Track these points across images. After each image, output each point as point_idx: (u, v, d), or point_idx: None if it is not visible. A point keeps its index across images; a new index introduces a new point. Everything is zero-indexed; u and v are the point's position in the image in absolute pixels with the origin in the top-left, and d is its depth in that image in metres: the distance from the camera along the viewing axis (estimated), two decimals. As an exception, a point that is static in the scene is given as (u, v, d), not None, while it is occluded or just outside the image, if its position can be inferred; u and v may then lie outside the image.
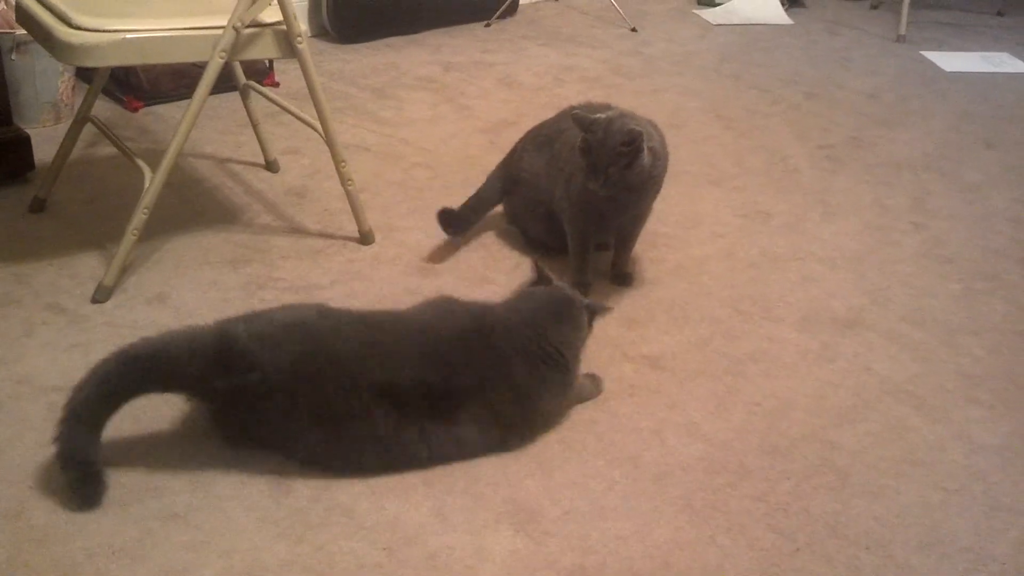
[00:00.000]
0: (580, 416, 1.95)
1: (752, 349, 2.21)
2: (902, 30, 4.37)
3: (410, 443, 1.75)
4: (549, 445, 1.87)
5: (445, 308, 1.91)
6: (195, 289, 2.27)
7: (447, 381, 1.75)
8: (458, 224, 2.50)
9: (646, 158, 2.17)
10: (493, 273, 2.42)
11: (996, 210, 2.90)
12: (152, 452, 1.79)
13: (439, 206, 2.50)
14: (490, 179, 2.58)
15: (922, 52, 4.25)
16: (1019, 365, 2.21)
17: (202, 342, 1.73)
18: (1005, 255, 2.65)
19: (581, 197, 2.27)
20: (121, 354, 1.72)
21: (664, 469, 1.84)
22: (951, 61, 4.16)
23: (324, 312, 1.85)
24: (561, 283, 1.97)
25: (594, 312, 1.96)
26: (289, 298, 2.25)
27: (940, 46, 4.35)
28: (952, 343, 2.27)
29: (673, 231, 2.66)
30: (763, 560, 1.65)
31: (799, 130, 3.37)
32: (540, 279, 1.96)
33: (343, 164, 2.40)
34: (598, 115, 2.20)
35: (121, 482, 1.72)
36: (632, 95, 3.58)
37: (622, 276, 2.44)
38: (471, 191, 2.58)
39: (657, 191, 2.34)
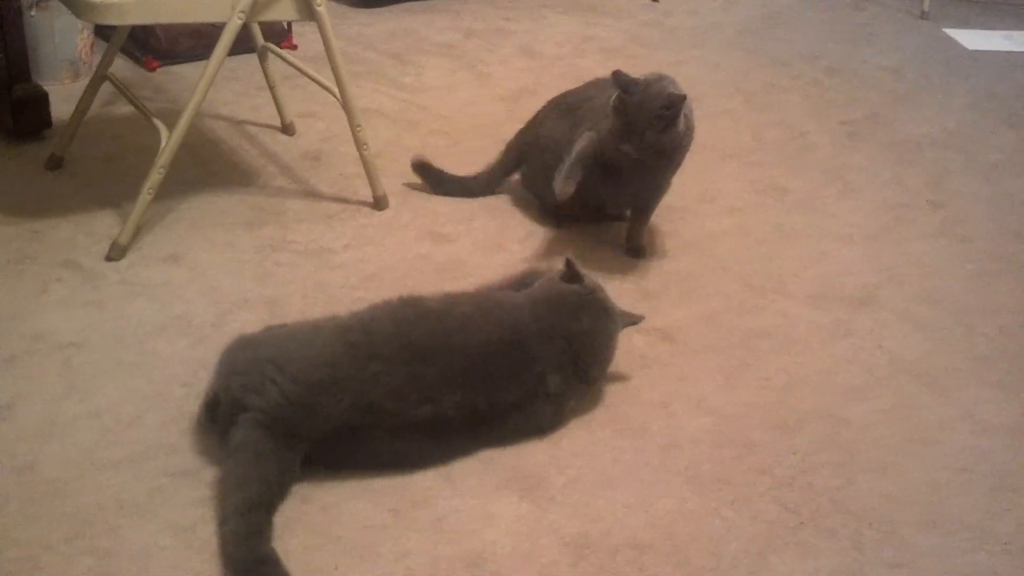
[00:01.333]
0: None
1: (764, 324, 2.21)
2: (926, 6, 4.31)
3: (451, 455, 1.75)
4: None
5: (428, 313, 1.79)
6: (209, 250, 2.28)
7: (490, 401, 1.73)
8: (435, 181, 2.56)
9: (681, 124, 2.15)
10: (507, 241, 2.42)
11: (1015, 191, 2.88)
12: (163, 410, 1.81)
13: (455, 172, 2.51)
14: (508, 147, 2.57)
15: (944, 29, 4.20)
16: (1032, 347, 2.20)
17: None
18: (1022, 236, 2.63)
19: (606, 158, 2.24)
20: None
21: (671, 441, 1.85)
22: (974, 39, 4.11)
23: (353, 343, 1.70)
24: (594, 283, 1.91)
25: (627, 323, 1.94)
26: (303, 262, 2.26)
27: (963, 24, 4.29)
28: (965, 323, 2.26)
29: (688, 205, 2.65)
30: (766, 532, 1.66)
31: (819, 106, 3.35)
32: (572, 276, 1.89)
33: (359, 128, 2.40)
34: (639, 76, 2.17)
35: (132, 439, 1.74)
36: (652, 66, 3.52)
37: (636, 248, 2.41)
38: (488, 159, 2.57)
39: (680, 162, 2.32)
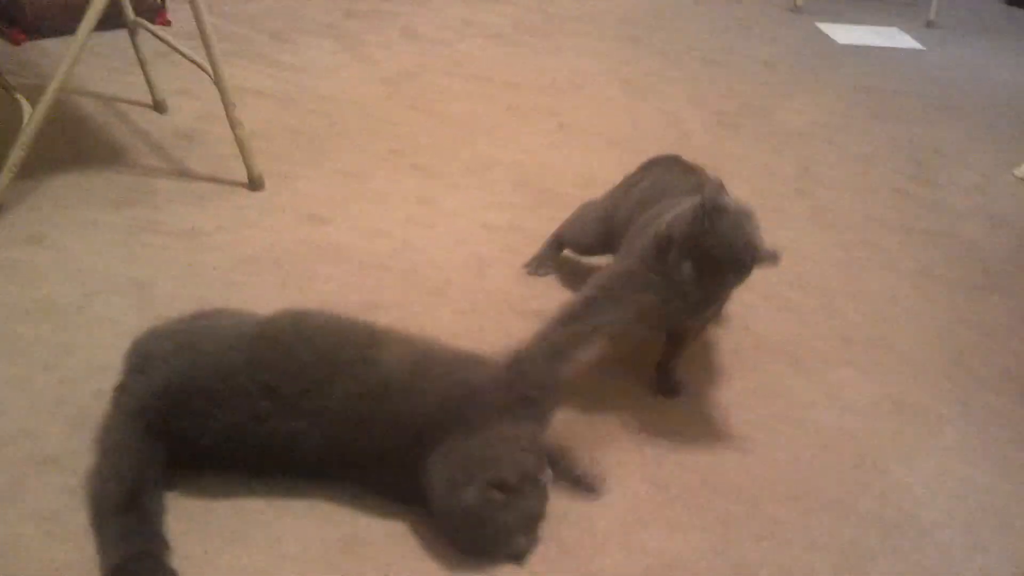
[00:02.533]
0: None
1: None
2: (799, 1, 4.45)
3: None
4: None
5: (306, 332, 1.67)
6: (75, 230, 2.20)
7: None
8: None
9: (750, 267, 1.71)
10: (387, 225, 2.41)
11: (880, 180, 3.00)
12: (25, 395, 1.75)
13: (335, 154, 2.47)
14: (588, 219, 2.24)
15: (817, 23, 4.34)
16: (891, 330, 2.29)
17: None
18: (886, 224, 2.74)
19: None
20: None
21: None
22: (844, 33, 4.26)
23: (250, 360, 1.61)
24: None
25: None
26: (173, 243, 2.20)
27: (835, 18, 4.44)
28: (830, 307, 2.34)
29: (568, 190, 2.68)
30: (637, 507, 1.69)
31: (696, 96, 3.42)
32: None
33: (233, 107, 2.35)
34: (728, 200, 1.71)
35: None
36: (535, 54, 3.58)
37: (669, 384, 1.98)
38: (369, 141, 2.54)
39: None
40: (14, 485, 1.57)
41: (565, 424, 1.83)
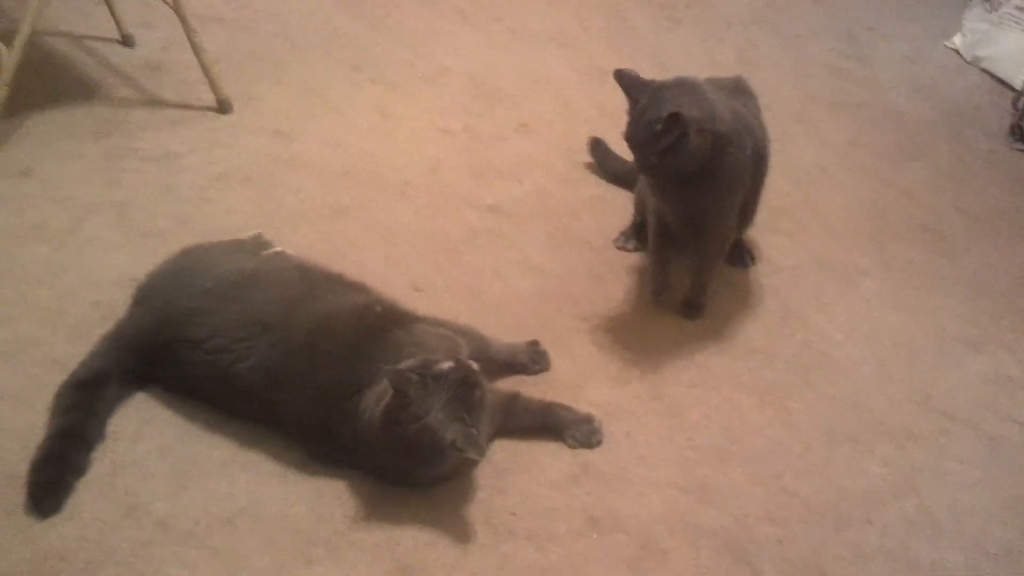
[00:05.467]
0: (429, 261, 2.16)
1: (587, 195, 2.44)
2: None
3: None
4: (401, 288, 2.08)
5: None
6: (59, 162, 2.37)
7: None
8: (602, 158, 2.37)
9: (692, 144, 1.78)
10: (348, 136, 2.57)
11: (815, 59, 3.16)
12: (29, 310, 1.94)
13: (296, 73, 2.61)
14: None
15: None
16: (820, 196, 2.49)
17: None
18: (818, 100, 2.92)
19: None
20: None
21: (501, 300, 2.08)
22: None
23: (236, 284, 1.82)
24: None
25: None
26: (150, 167, 2.37)
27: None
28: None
29: (517, 90, 2.84)
30: (581, 367, 1.91)
31: (641, -9, 3.55)
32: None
33: (194, 33, 2.50)
34: (650, 80, 1.84)
35: (2, 339, 1.87)
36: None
37: (689, 304, 2.08)
38: (328, 59, 2.66)
39: (731, 190, 1.94)
40: (28, 386, 1.77)
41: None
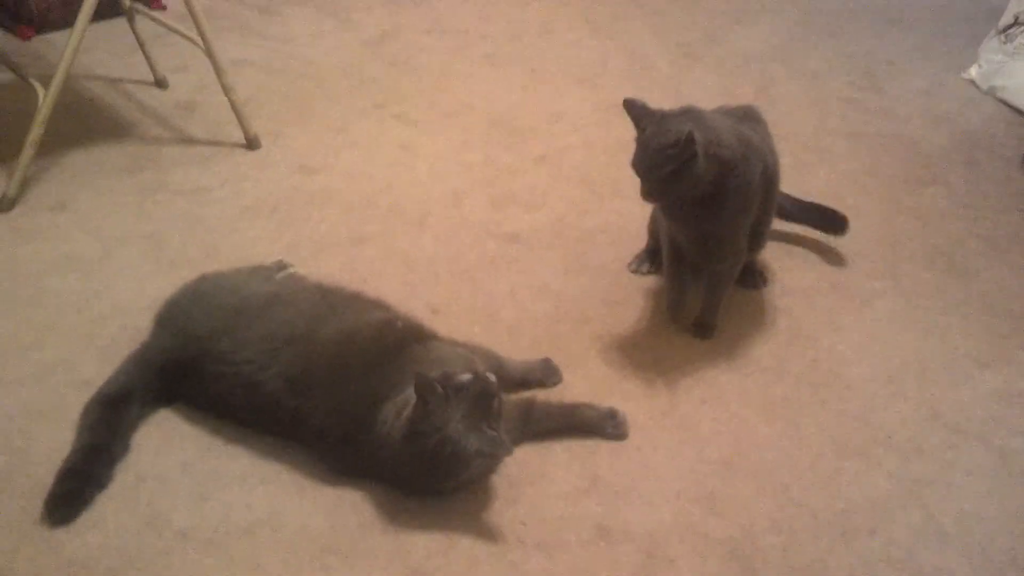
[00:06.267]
0: (447, 286, 2.22)
1: (602, 223, 2.49)
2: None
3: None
4: (420, 310, 2.13)
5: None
6: (93, 196, 2.47)
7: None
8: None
9: (699, 167, 1.84)
10: (371, 169, 2.66)
11: (832, 93, 3.21)
12: (59, 334, 2.02)
13: (322, 112, 2.71)
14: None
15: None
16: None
17: None
18: (835, 131, 2.96)
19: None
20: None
21: (517, 322, 2.12)
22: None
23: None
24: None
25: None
26: (181, 200, 2.46)
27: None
28: (777, 207, 2.57)
29: (536, 124, 2.91)
30: (595, 387, 1.95)
31: (660, 31, 3.63)
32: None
33: (224, 74, 2.60)
34: (657, 109, 1.91)
35: (34, 360, 1.94)
36: (508, 6, 3.80)
37: (700, 324, 2.12)
38: (353, 98, 2.76)
39: (739, 213, 1.98)
40: (59, 405, 1.84)
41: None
